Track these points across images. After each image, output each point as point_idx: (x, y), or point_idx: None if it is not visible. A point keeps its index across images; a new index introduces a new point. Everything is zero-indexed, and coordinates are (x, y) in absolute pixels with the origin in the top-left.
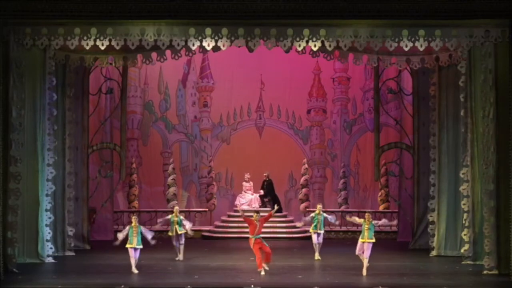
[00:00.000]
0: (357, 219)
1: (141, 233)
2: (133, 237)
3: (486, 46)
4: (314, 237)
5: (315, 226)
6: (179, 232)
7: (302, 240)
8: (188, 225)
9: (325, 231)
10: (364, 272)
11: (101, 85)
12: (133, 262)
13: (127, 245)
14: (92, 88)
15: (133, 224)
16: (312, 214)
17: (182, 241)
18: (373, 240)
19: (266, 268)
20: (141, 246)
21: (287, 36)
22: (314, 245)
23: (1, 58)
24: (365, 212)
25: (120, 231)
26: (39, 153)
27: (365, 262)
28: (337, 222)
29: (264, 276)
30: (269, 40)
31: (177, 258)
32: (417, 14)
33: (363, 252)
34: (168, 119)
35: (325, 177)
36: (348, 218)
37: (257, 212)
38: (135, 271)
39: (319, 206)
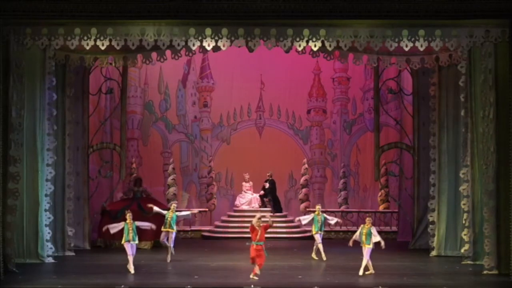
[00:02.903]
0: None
1: (136, 228)
2: (129, 233)
3: (486, 46)
4: (318, 237)
5: (317, 227)
6: (170, 230)
7: (302, 240)
8: (186, 212)
9: (325, 231)
10: (361, 271)
11: (101, 85)
12: (130, 259)
13: (123, 242)
14: (92, 88)
15: (127, 221)
16: (312, 215)
17: (172, 242)
18: (370, 246)
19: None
20: (137, 242)
21: (287, 36)
22: (317, 245)
23: (1, 58)
24: (365, 212)
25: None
26: (39, 153)
27: (364, 262)
28: (337, 222)
29: (263, 276)
30: (269, 40)
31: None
32: (417, 14)
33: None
34: (168, 119)
35: (325, 177)
36: (351, 244)
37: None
38: (132, 269)
39: (318, 207)
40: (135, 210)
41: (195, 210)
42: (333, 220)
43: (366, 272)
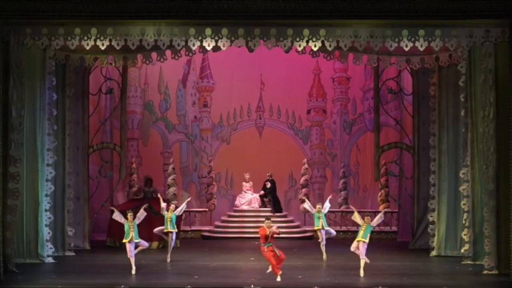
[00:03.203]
0: (357, 217)
1: (137, 226)
2: (130, 232)
3: (486, 46)
4: (320, 235)
5: (318, 223)
6: (170, 230)
7: (302, 240)
8: (183, 206)
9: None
10: (361, 273)
11: (101, 85)
12: (132, 261)
13: (124, 240)
14: (92, 88)
15: (129, 220)
16: (314, 210)
17: (173, 242)
18: (366, 240)
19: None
20: (138, 240)
21: (287, 36)
22: (321, 245)
23: (1, 58)
24: (365, 212)
25: None
26: (39, 153)
27: (362, 263)
28: (330, 199)
29: (263, 276)
30: (269, 40)
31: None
32: (417, 14)
33: (358, 249)
34: (168, 119)
35: (325, 177)
36: (352, 207)
37: (268, 218)
38: (133, 269)
39: (318, 206)
40: (146, 211)
41: (188, 198)
42: (327, 206)
43: (362, 265)
